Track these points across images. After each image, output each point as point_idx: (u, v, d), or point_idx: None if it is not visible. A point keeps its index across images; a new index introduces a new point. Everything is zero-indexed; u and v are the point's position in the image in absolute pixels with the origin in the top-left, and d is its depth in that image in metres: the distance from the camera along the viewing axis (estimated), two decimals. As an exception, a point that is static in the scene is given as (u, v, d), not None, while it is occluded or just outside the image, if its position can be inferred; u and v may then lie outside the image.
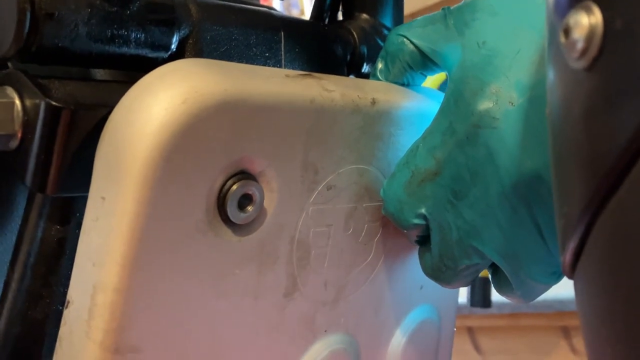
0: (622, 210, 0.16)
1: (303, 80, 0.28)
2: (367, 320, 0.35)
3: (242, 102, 0.25)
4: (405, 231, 0.32)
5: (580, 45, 0.16)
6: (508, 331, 1.27)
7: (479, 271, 0.32)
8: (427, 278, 0.36)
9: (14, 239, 0.28)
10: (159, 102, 0.23)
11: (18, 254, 0.27)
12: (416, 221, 0.31)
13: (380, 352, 0.36)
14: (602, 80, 0.16)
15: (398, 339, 0.37)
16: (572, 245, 0.19)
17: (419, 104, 0.34)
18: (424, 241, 0.33)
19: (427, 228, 0.32)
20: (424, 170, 0.30)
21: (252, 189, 0.26)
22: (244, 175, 0.26)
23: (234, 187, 0.25)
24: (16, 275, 0.27)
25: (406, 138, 0.34)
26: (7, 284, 0.28)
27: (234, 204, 0.25)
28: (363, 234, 0.33)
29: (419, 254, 0.34)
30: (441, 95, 0.37)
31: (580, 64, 0.16)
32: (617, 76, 0.15)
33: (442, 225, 0.31)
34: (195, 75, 0.24)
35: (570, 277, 0.20)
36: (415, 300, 0.38)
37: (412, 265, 0.37)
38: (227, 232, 0.26)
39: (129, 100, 0.24)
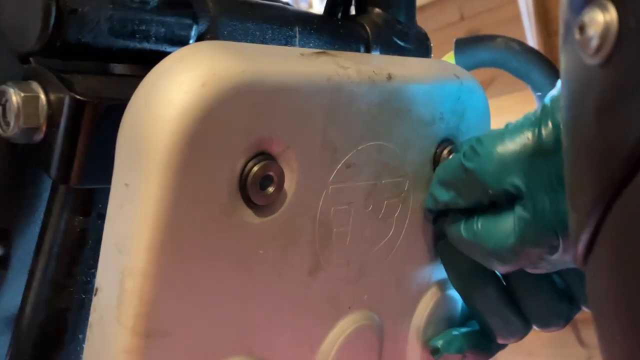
0: (634, 202, 0.17)
1: (318, 58, 0.28)
2: (389, 296, 0.35)
3: (259, 83, 0.25)
4: (468, 194, 0.32)
5: (594, 42, 0.17)
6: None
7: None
8: None
9: (38, 229, 0.29)
10: (179, 86, 0.23)
11: (42, 244, 0.28)
12: (509, 188, 0.31)
13: (403, 328, 0.37)
14: (615, 76, 0.16)
15: (420, 314, 0.37)
16: (584, 237, 0.19)
17: (436, 78, 0.34)
18: (468, 212, 0.33)
19: (504, 196, 0.31)
20: (541, 145, 0.30)
21: (272, 170, 0.26)
22: (264, 156, 0.26)
23: (255, 168, 0.26)
24: (40, 265, 0.28)
25: (424, 112, 0.34)
26: (31, 274, 0.28)
27: (255, 185, 0.26)
28: (383, 210, 0.33)
29: (467, 229, 0.33)
30: (458, 69, 0.37)
31: (594, 60, 0.17)
32: (630, 73, 0.16)
33: (537, 206, 0.30)
34: (212, 57, 0.24)
35: (582, 268, 0.20)
36: (436, 275, 0.38)
37: (433, 240, 0.37)
38: (249, 213, 0.26)
39: (148, 85, 0.24)
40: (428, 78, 0.34)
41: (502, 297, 0.36)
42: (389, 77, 0.31)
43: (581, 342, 1.23)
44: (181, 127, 0.23)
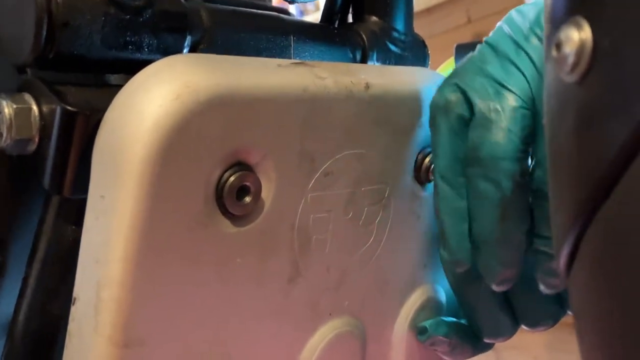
0: (611, 219, 0.17)
1: (295, 69, 0.29)
2: (371, 302, 0.35)
3: (234, 94, 0.25)
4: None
5: (570, 59, 0.17)
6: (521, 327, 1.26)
7: None
8: (430, 257, 0.37)
9: (32, 237, 0.29)
10: (152, 100, 0.24)
11: (36, 253, 0.28)
12: None
13: (386, 332, 0.37)
14: (591, 94, 0.16)
15: (403, 318, 0.37)
16: (565, 252, 0.19)
17: (413, 86, 0.34)
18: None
19: None
20: None
21: (249, 180, 0.26)
22: (240, 166, 0.26)
23: (231, 179, 0.26)
24: (34, 272, 0.29)
25: (403, 121, 0.34)
26: (25, 281, 0.29)
27: (232, 195, 0.26)
28: (363, 217, 0.33)
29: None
30: (438, 76, 0.38)
31: (571, 78, 0.17)
32: (604, 92, 0.16)
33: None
34: (187, 70, 0.25)
35: (564, 282, 0.21)
36: (419, 280, 0.38)
37: (415, 245, 0.37)
38: (226, 223, 0.26)
39: (123, 98, 0.25)
40: (407, 87, 0.34)
41: (494, 293, 0.37)
42: (367, 87, 0.31)
43: (586, 347, 1.22)
44: (155, 140, 0.23)
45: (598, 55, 0.16)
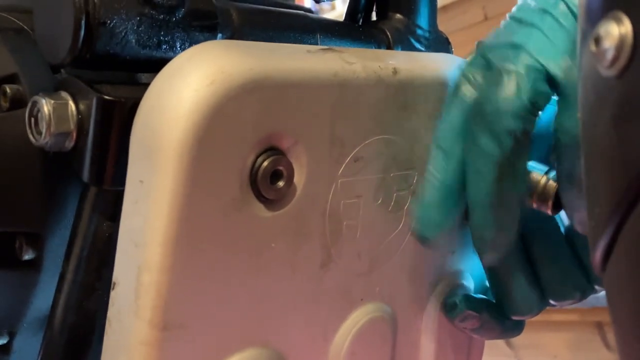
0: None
1: (325, 55, 0.29)
2: (401, 288, 0.36)
3: (267, 79, 0.26)
4: None
5: (610, 54, 0.17)
6: (540, 326, 1.26)
7: None
8: (458, 243, 0.37)
9: (67, 233, 0.30)
10: (188, 85, 0.24)
11: (72, 248, 0.29)
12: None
13: (417, 318, 0.37)
14: (631, 88, 0.16)
15: (433, 304, 0.38)
16: (602, 244, 0.19)
17: (440, 71, 0.35)
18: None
19: None
20: None
21: (282, 165, 0.27)
22: (273, 151, 0.27)
23: (265, 163, 0.26)
24: (70, 267, 0.29)
25: (430, 106, 0.34)
26: (62, 276, 0.29)
27: (266, 179, 0.26)
28: (392, 203, 0.33)
29: None
30: (464, 63, 0.37)
31: (610, 72, 0.17)
32: (645, 85, 0.16)
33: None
34: (220, 55, 0.25)
35: (600, 275, 0.21)
36: (448, 266, 0.39)
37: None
38: (260, 207, 0.27)
39: (159, 84, 0.25)
40: (433, 72, 0.34)
41: (523, 264, 0.37)
42: (395, 72, 0.31)
43: (607, 345, 1.21)
44: (191, 124, 0.24)
45: (638, 49, 0.16)
